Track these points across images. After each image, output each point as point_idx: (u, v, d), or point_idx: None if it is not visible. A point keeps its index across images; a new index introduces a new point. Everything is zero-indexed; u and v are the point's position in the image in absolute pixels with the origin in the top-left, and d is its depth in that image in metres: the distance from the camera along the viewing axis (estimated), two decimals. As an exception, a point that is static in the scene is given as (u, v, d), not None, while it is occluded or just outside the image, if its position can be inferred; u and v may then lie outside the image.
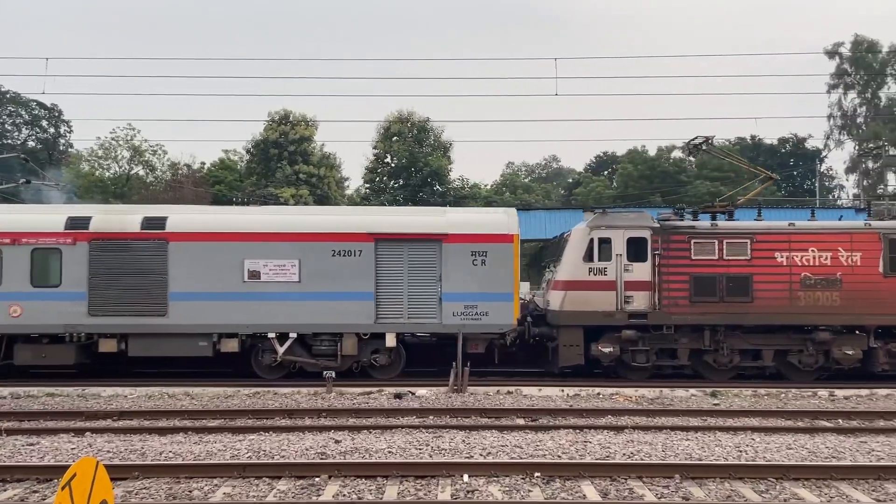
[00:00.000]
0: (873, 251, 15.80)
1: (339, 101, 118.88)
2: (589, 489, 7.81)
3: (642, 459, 8.99)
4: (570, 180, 68.53)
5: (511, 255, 15.68)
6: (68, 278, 15.36)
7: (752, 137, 58.21)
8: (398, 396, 13.71)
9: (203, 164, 55.62)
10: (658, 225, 16.13)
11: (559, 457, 9.12)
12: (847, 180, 57.85)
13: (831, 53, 51.05)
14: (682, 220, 16.57)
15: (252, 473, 8.19)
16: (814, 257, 15.84)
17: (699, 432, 10.75)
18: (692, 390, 14.44)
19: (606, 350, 15.82)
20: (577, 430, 10.76)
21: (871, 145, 49.08)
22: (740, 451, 9.49)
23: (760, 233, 16.07)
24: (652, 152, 54.67)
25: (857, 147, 51.90)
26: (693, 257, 15.86)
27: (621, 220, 16.42)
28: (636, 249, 15.87)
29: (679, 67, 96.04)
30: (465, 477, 8.13)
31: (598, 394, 14.25)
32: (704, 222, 16.57)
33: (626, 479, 8.16)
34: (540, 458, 9.07)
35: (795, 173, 57.97)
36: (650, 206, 42.09)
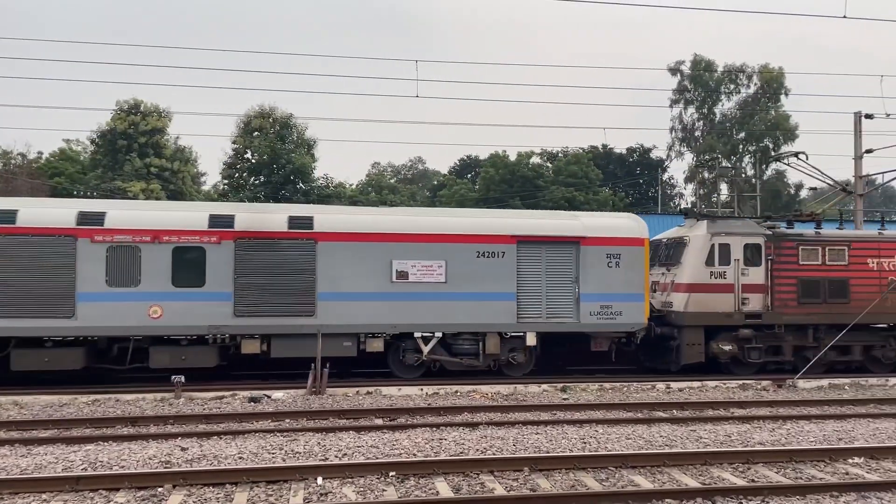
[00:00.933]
0: None
1: (196, 93, 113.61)
2: (442, 485, 7.93)
3: (494, 454, 9.26)
4: (436, 182, 69.46)
5: (642, 258, 16.14)
6: (212, 278, 14.60)
7: (604, 146, 61.66)
8: (254, 400, 13.29)
9: (41, 153, 51.33)
10: (770, 233, 17.22)
11: (415, 455, 9.20)
12: (686, 189, 62.68)
13: (673, 71, 55.16)
14: (791, 228, 17.83)
15: (86, 486, 7.63)
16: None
17: (549, 426, 11.22)
18: (544, 386, 15.04)
19: (726, 348, 16.66)
20: (434, 428, 10.91)
21: (706, 157, 53.53)
22: (585, 443, 10.01)
23: (856, 241, 17.67)
24: (512, 157, 56.53)
25: (694, 158, 56.33)
26: (800, 263, 17.11)
27: (739, 227, 17.37)
28: (752, 255, 16.90)
29: (537, 76, 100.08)
30: (319, 480, 8.00)
31: (457, 392, 14.52)
32: (810, 231, 17.72)
33: (478, 474, 8.36)
34: (396, 457, 9.10)
35: (641, 181, 62.03)
36: (510, 207, 43.47)
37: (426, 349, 15.45)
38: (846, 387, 15.75)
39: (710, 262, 16.76)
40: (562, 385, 15.09)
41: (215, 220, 14.87)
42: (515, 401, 13.64)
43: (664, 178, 63.30)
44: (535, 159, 57.96)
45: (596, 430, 10.91)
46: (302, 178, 49.22)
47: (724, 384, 15.64)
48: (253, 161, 49.67)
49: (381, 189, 59.34)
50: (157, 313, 14.43)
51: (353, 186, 58.75)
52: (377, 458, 8.99)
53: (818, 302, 17.13)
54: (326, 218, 15.48)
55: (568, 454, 9.09)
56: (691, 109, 55.74)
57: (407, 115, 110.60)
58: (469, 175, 65.68)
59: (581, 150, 58.74)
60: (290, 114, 51.23)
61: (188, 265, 14.61)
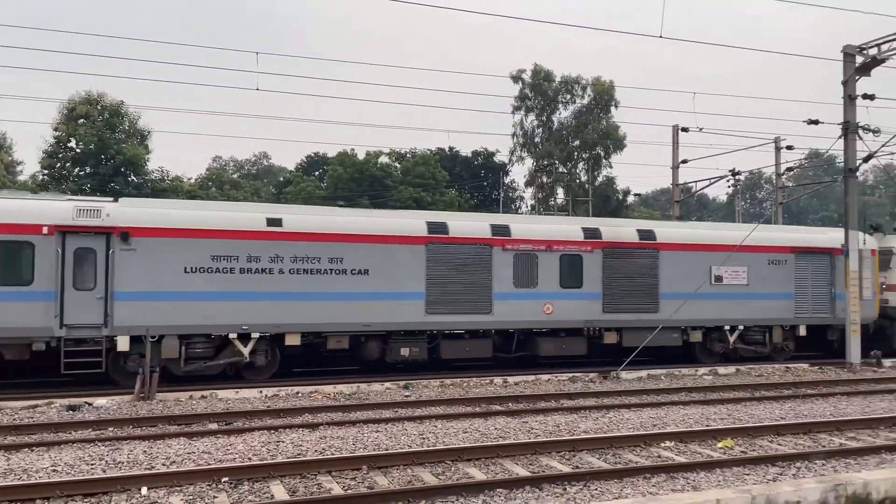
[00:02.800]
0: None
1: (12, 75, 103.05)
2: (278, 489, 7.76)
3: (333, 454, 9.18)
4: (281, 178, 67.69)
5: (874, 265, 20.41)
6: (587, 280, 17.70)
7: (450, 149, 63.02)
8: (72, 408, 12.28)
9: None
10: None
11: (250, 459, 8.93)
12: (526, 192, 65.50)
13: (515, 78, 57.39)
14: None
15: None
16: None
17: (390, 423, 11.31)
18: (387, 384, 15.13)
19: None
20: (272, 431, 10.65)
21: (545, 162, 56.22)
22: (423, 438, 10.18)
23: None
24: (361, 156, 56.33)
25: (534, 163, 58.94)
26: None
27: None
28: None
29: (385, 76, 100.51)
30: (144, 490, 7.55)
31: (298, 393, 14.25)
32: None
33: (315, 475, 8.26)
34: (229, 462, 8.78)
35: (485, 184, 64.05)
36: (358, 206, 43.28)
37: (732, 339, 19.16)
38: (662, 377, 17.15)
39: None
40: (404, 382, 15.24)
41: (588, 233, 18.04)
42: (358, 400, 13.61)
43: (506, 182, 65.79)
44: (384, 159, 58.14)
45: (435, 426, 11.13)
46: (134, 170, 46.07)
47: (556, 377, 16.52)
48: (78, 150, 45.80)
49: (222, 184, 56.90)
50: (549, 310, 17.33)
51: (192, 181, 55.89)
52: (209, 464, 8.62)
53: None
54: (664, 231, 19.04)
55: (406, 450, 9.20)
56: (531, 116, 58.30)
57: (249, 109, 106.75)
58: (317, 172, 64.66)
59: (429, 152, 59.65)
60: (121, 101, 47.81)
61: (571, 270, 17.63)
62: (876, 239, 21.49)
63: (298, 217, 15.89)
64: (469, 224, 17.24)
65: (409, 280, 16.21)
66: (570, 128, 57.17)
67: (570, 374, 16.76)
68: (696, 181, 41.14)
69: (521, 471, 8.57)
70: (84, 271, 14.02)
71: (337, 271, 15.66)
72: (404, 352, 16.37)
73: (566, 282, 17.57)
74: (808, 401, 13.93)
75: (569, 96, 57.17)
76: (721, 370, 17.91)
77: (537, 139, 58.82)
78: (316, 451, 9.43)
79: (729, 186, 51.73)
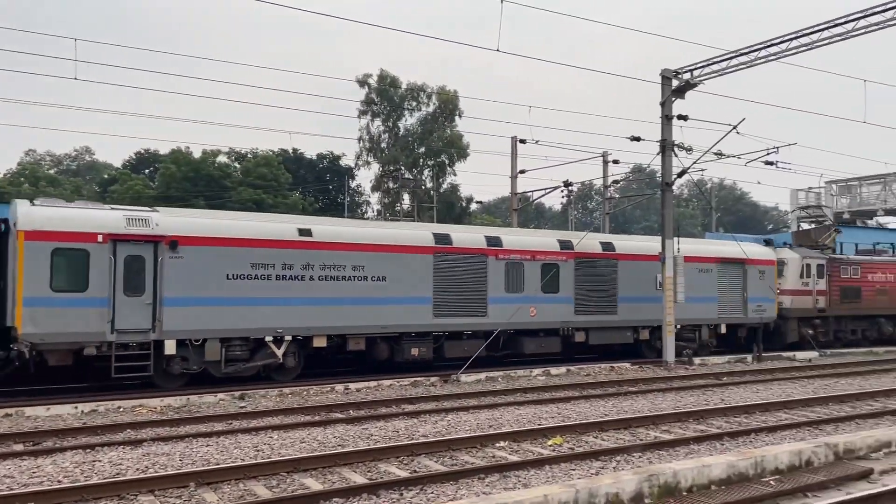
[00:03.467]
0: None
1: None
2: (92, 513, 7.13)
3: (157, 472, 8.59)
4: (106, 176, 62.89)
5: (773, 273, 24.20)
6: (563, 286, 19.85)
7: (294, 151, 61.68)
8: None
9: None
10: (828, 258, 26.33)
11: (59, 482, 8.14)
12: (372, 197, 65.49)
13: (361, 83, 57.28)
14: (841, 255, 28.04)
15: None
16: (884, 277, 27.79)
17: (222, 436, 10.79)
18: (221, 395, 14.43)
19: (809, 332, 25.39)
20: (88, 450, 9.80)
21: (391, 168, 56.53)
22: (258, 451, 9.80)
23: (864, 263, 27.55)
24: (197, 154, 53.68)
25: (380, 168, 59.09)
26: (841, 276, 26.38)
27: (815, 253, 26.16)
28: (819, 271, 25.73)
29: (224, 73, 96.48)
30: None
31: (119, 407, 13.24)
32: (848, 256, 28.02)
33: (136, 496, 7.70)
34: (35, 486, 7.95)
35: (331, 187, 63.31)
36: (193, 207, 41.10)
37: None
38: (499, 378, 17.73)
39: (801, 276, 25.47)
40: (240, 393, 14.63)
41: (563, 244, 20.23)
42: (187, 413, 12.87)
43: (353, 186, 65.41)
44: (222, 158, 55.79)
45: (271, 437, 10.76)
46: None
47: (398, 382, 16.57)
48: None
49: (37, 180, 51.95)
50: (533, 312, 19.22)
51: (1, 176, 50.57)
52: (11, 490, 7.76)
53: (849, 302, 26.65)
54: (621, 243, 21.78)
55: (238, 464, 8.80)
56: (378, 122, 58.44)
57: (67, 100, 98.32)
58: (147, 171, 60.79)
59: (271, 153, 58.01)
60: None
61: (550, 277, 19.63)
62: (800, 255, 26.00)
63: (326, 228, 16.98)
64: (468, 236, 19.14)
65: (420, 286, 17.71)
66: (416, 135, 57.93)
67: (413, 379, 16.89)
68: (533, 191, 43.07)
69: (358, 478, 8.47)
70: (133, 278, 14.46)
71: (359, 278, 16.90)
72: (414, 352, 17.65)
73: (546, 288, 19.66)
74: (629, 397, 14.96)
75: (414, 103, 57.90)
76: (553, 370, 18.83)
77: (384, 144, 59.03)
78: (137, 469, 8.78)
79: (563, 197, 54.73)
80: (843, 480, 8.52)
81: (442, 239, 18.29)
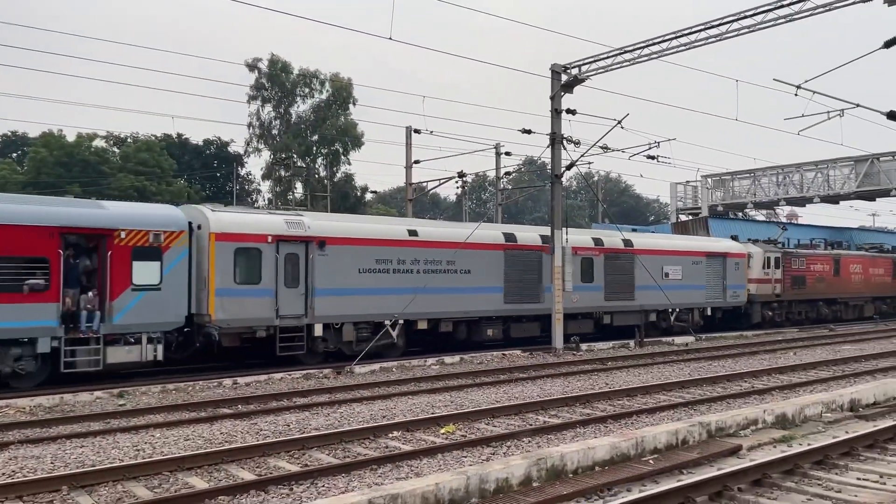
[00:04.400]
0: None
1: None
2: (-52, 525, 6.56)
3: (25, 476, 8.01)
4: (-31, 160, 57.94)
5: (745, 264, 28.74)
6: (596, 277, 23.74)
7: (179, 136, 58.99)
8: None
9: None
10: (783, 251, 31.30)
11: (-90, 493, 7.43)
12: (263, 185, 63.69)
13: (251, 67, 55.44)
14: (794, 248, 33.39)
15: None
16: (821, 268, 33.05)
17: (98, 437, 10.22)
18: (98, 393, 13.64)
19: (769, 313, 30.36)
20: (-55, 456, 9.01)
21: (283, 155, 55.17)
22: (138, 450, 9.33)
23: (808, 256, 32.63)
24: (71, 138, 50.33)
25: (272, 156, 57.52)
26: (791, 267, 31.31)
27: (773, 248, 31.00)
28: (776, 263, 30.49)
29: (95, 50, 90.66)
30: None
31: (-18, 409, 12.25)
32: (797, 250, 32.81)
33: (2, 502, 7.14)
34: None
35: (219, 175, 61.08)
36: (67, 194, 38.59)
37: (672, 318, 26.11)
38: (394, 369, 17.74)
39: (763, 266, 29.88)
40: (118, 390, 13.88)
41: (596, 241, 24.13)
42: (60, 413, 12.09)
43: (242, 173, 63.36)
44: (99, 143, 52.61)
45: (153, 436, 10.27)
46: None
47: (290, 375, 16.24)
48: None
49: None
50: (575, 299, 22.38)
51: None
52: None
53: (797, 289, 31.55)
54: (638, 240, 25.67)
55: (116, 465, 8.35)
56: (269, 107, 56.82)
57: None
58: (14, 154, 56.46)
59: (153, 138, 55.25)
60: None
61: (586, 269, 23.20)
62: (763, 249, 30.44)
63: (428, 229, 20.55)
64: (528, 234, 22.68)
65: (494, 278, 21.00)
66: (309, 122, 56.80)
67: (305, 372, 16.60)
68: (428, 181, 43.28)
69: (246, 475, 8.24)
70: (291, 272, 17.23)
71: (452, 271, 20.11)
72: (490, 332, 21.04)
73: (585, 278, 23.14)
74: (520, 384, 15.34)
75: (307, 90, 56.72)
76: (447, 359, 19.03)
77: (275, 131, 57.53)
78: (4, 474, 8.16)
79: (457, 187, 55.21)
80: (715, 457, 9.08)
81: (510, 238, 21.84)
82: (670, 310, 25.88)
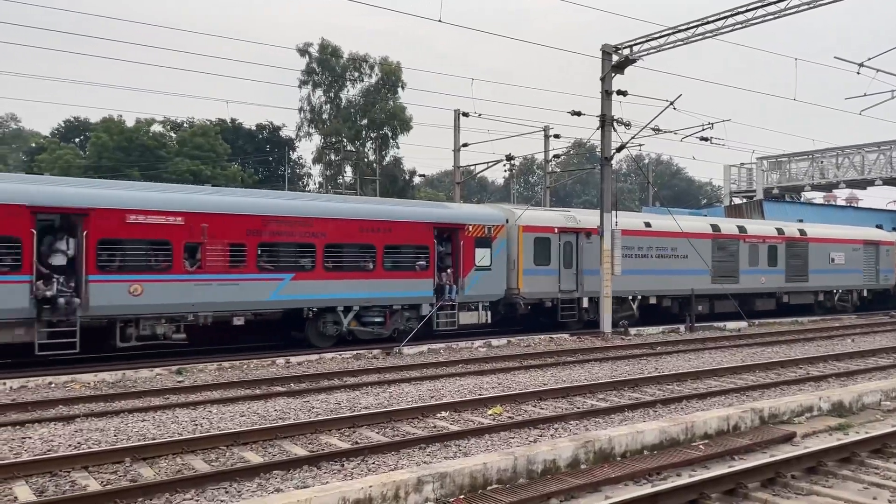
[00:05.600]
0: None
1: None
2: (23, 490, 6.94)
3: (90, 448, 8.39)
4: (34, 145, 60.14)
5: (894, 251, 31.18)
6: (779, 261, 27.44)
7: (232, 121, 60.11)
8: None
9: None
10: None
11: (-13, 460, 7.87)
12: (313, 169, 64.52)
13: (302, 52, 56.01)
14: None
15: None
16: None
17: (158, 411, 10.60)
18: (157, 370, 14.14)
19: None
20: (17, 427, 9.50)
21: (332, 140, 55.71)
22: (196, 425, 9.66)
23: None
24: (130, 123, 51.80)
25: (322, 140, 58.17)
26: None
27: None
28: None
29: (159, 38, 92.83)
30: None
31: (51, 383, 12.83)
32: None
33: (69, 472, 7.51)
34: (-40, 465, 7.66)
35: (271, 159, 62.10)
36: (127, 178, 39.81)
37: (835, 298, 29.83)
38: (441, 350, 17.88)
39: None
40: (177, 368, 14.36)
41: (778, 231, 27.77)
42: (123, 388, 12.58)
43: (293, 158, 64.28)
44: (157, 128, 54.02)
45: (210, 411, 10.62)
46: None
47: (340, 355, 16.54)
48: None
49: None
50: (763, 280, 26.68)
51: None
52: (-67, 471, 7.46)
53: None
54: (810, 230, 29.27)
55: (176, 438, 8.67)
56: (319, 92, 57.38)
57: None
58: (77, 140, 58.40)
59: (208, 122, 56.42)
60: None
61: (772, 255, 27.27)
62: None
63: (659, 220, 24.96)
64: (728, 225, 26.83)
65: (703, 261, 24.74)
66: (358, 106, 57.15)
67: (355, 352, 16.88)
68: (475, 164, 43.22)
69: (299, 451, 8.46)
70: (567, 256, 21.80)
71: (674, 256, 24.26)
72: (700, 308, 24.62)
73: (770, 263, 27.15)
74: (567, 367, 15.31)
75: (357, 74, 57.03)
76: (494, 342, 19.09)
77: (325, 116, 58.07)
78: (70, 445, 8.56)
79: (505, 170, 54.98)
80: (767, 444, 8.94)
81: (715, 228, 26.08)
82: (834, 291, 29.78)
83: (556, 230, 21.61)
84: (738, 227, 26.76)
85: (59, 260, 14.18)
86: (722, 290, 25.46)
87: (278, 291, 16.61)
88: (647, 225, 24.12)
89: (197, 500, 6.75)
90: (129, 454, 8.04)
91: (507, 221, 20.77)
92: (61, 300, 13.82)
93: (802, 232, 28.86)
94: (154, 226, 14.97)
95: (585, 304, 22.12)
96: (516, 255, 20.84)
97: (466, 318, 19.82)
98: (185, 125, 55.84)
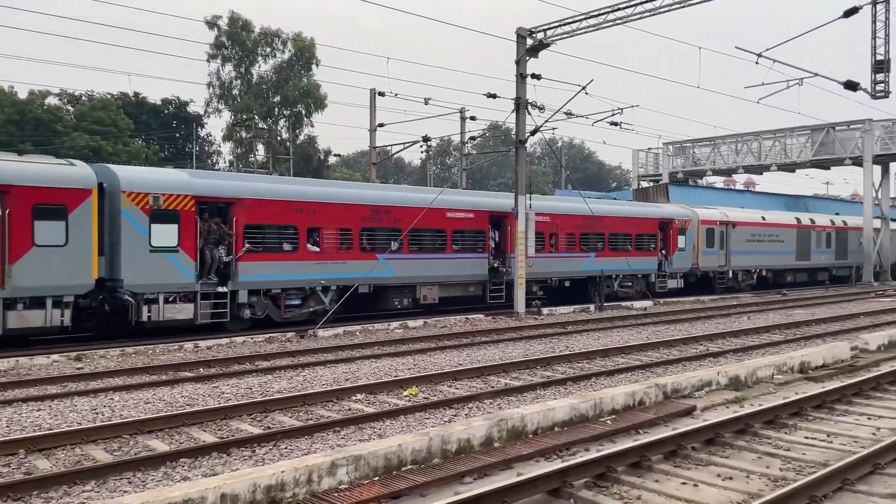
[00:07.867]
0: None
1: None
2: None
3: (-21, 441, 7.88)
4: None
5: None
6: (830, 245, 38.40)
7: (136, 94, 57.35)
8: None
9: None
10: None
11: None
12: (223, 147, 62.48)
13: (210, 24, 53.93)
14: None
15: None
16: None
17: (56, 400, 10.07)
18: (55, 356, 13.42)
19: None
20: None
21: (244, 117, 54.05)
22: (97, 413, 9.24)
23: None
24: (23, 95, 48.60)
25: (232, 117, 56.33)
26: None
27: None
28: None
29: (54, 5, 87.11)
30: None
31: (-66, 373, 11.97)
32: None
33: (-45, 468, 7.03)
34: None
35: (178, 136, 59.71)
36: (19, 153, 37.33)
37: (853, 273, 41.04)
38: (357, 332, 17.76)
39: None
40: (76, 354, 13.66)
41: (831, 222, 39.24)
42: (16, 376, 11.87)
43: (202, 135, 62.03)
44: (53, 100, 50.93)
45: (112, 399, 10.17)
46: None
47: (252, 339, 16.16)
48: None
49: None
50: (823, 259, 38.09)
51: None
52: None
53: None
54: (851, 220, 39.96)
55: (74, 428, 8.26)
56: (229, 67, 55.47)
57: None
58: (-37, 111, 54.29)
59: (109, 96, 53.63)
60: None
61: (827, 240, 38.30)
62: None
63: (770, 214, 34.31)
64: (804, 217, 36.82)
65: (789, 245, 34.67)
66: (271, 83, 55.67)
67: (267, 335, 16.53)
68: (392, 145, 42.90)
69: (208, 437, 8.22)
70: (710, 240, 30.35)
71: (777, 240, 33.98)
72: (788, 278, 35.54)
73: (826, 245, 37.62)
74: (482, 347, 15.51)
75: (269, 49, 55.47)
76: (411, 323, 19.11)
77: (235, 91, 56.28)
78: (-44, 439, 8.00)
79: (422, 152, 54.83)
80: (670, 417, 9.34)
81: (798, 220, 36.04)
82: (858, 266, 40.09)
83: (718, 223, 30.68)
84: (810, 219, 37.27)
85: None
86: (801, 266, 35.99)
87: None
88: (763, 218, 33.62)
89: (98, 492, 6.46)
90: (24, 445, 7.62)
91: (691, 217, 29.51)
92: None
93: (843, 223, 39.79)
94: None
95: (731, 274, 31.82)
96: (695, 241, 29.55)
97: (671, 283, 28.40)
98: (83, 98, 52.87)
